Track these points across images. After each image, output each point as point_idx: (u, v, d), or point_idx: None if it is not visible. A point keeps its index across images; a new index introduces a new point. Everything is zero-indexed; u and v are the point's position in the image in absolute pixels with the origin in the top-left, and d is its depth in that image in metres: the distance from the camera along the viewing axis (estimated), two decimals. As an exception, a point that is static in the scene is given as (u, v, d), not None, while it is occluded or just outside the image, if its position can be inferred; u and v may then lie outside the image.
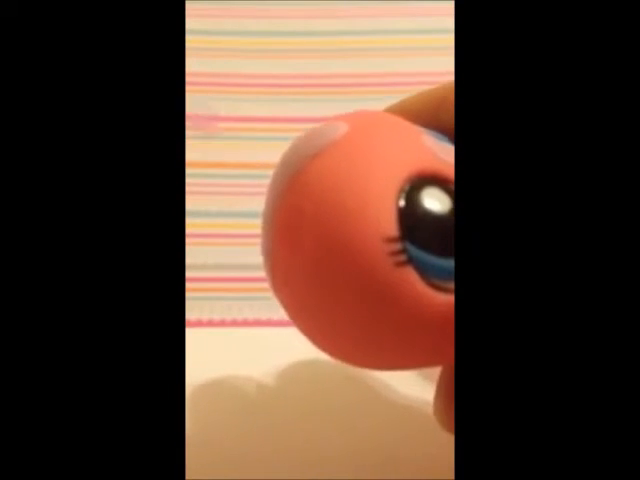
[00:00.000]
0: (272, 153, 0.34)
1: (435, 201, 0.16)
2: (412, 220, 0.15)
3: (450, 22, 0.29)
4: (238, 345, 0.27)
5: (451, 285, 0.16)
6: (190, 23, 0.30)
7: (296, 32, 0.36)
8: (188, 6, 0.24)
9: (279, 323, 0.29)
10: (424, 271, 0.16)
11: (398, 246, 0.15)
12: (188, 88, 0.32)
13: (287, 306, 0.18)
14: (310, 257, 0.16)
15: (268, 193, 0.18)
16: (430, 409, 0.19)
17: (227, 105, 0.33)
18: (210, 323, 0.29)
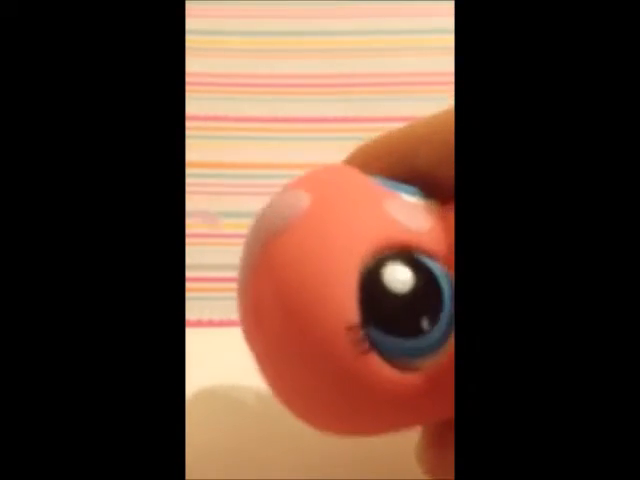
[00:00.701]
0: (272, 153, 0.34)
1: (396, 280, 0.15)
2: (373, 303, 0.15)
3: (450, 22, 0.29)
4: (238, 345, 0.27)
5: (419, 363, 0.15)
6: (190, 23, 0.30)
7: (296, 32, 0.36)
8: (188, 6, 0.24)
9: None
10: (389, 354, 0.15)
11: (360, 333, 0.15)
12: (188, 88, 0.32)
13: (260, 371, 0.18)
14: (273, 339, 0.16)
15: (240, 262, 0.18)
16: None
17: (227, 105, 0.33)
18: (210, 323, 0.29)
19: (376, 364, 0.15)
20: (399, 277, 0.15)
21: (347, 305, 0.15)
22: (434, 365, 0.16)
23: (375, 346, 0.15)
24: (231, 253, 0.30)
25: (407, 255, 0.16)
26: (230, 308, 0.30)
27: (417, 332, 0.15)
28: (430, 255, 0.16)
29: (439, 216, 0.17)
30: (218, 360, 0.26)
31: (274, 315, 0.16)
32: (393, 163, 0.19)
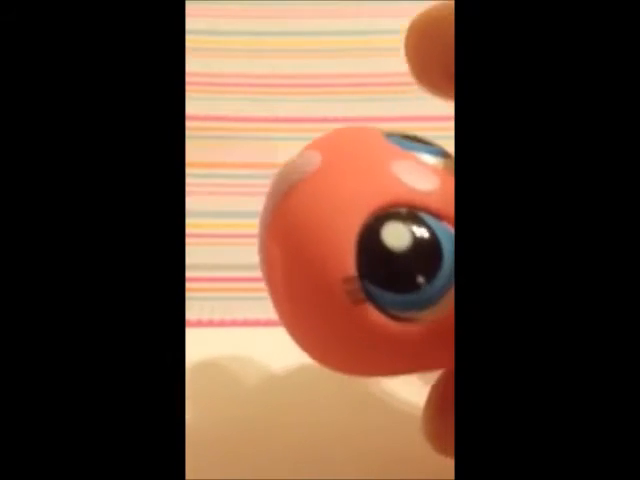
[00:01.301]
0: (272, 153, 0.34)
1: (393, 237, 0.16)
2: (369, 258, 0.16)
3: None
4: (238, 345, 0.27)
5: (414, 315, 0.16)
6: (190, 23, 0.30)
7: (296, 32, 0.36)
8: (188, 6, 0.24)
9: (279, 323, 0.29)
10: (384, 306, 0.16)
11: (355, 285, 0.16)
12: (188, 88, 0.32)
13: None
14: (282, 294, 0.17)
15: (258, 220, 0.19)
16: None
17: (227, 105, 0.33)
18: (210, 323, 0.29)
19: (371, 314, 0.16)
20: (396, 234, 0.16)
21: (345, 259, 0.16)
22: (431, 317, 0.16)
23: (370, 298, 0.16)
24: (231, 253, 0.30)
25: (408, 214, 0.16)
26: (230, 308, 0.30)
27: (411, 288, 0.16)
28: (435, 214, 0.16)
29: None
30: (218, 360, 0.26)
31: (281, 263, 0.17)
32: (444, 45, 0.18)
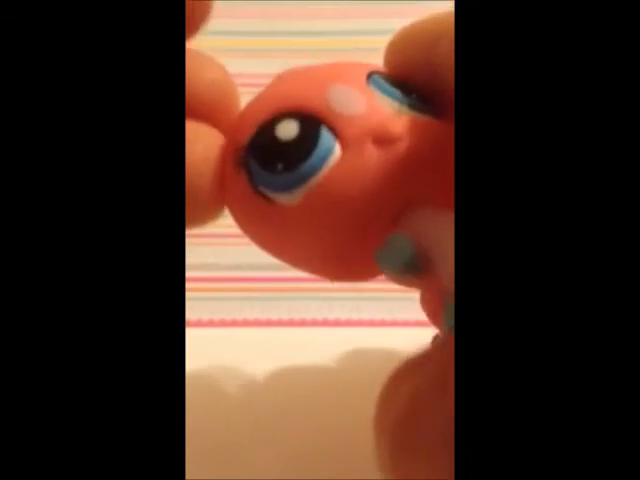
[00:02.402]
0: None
1: (283, 129, 0.18)
2: (259, 137, 0.19)
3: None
4: (238, 345, 0.27)
5: (275, 197, 0.18)
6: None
7: (296, 32, 0.36)
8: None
9: (279, 323, 0.29)
10: (252, 178, 0.19)
11: (242, 153, 0.19)
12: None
13: None
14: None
15: None
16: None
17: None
18: (210, 323, 0.29)
19: (246, 183, 0.19)
20: (286, 127, 0.18)
21: (248, 132, 0.19)
22: (287, 203, 0.18)
23: (248, 170, 0.19)
24: (231, 253, 0.30)
25: (308, 119, 0.18)
26: (230, 308, 0.30)
27: (272, 170, 0.18)
28: (335, 131, 0.18)
29: (404, 122, 0.18)
30: (218, 360, 0.26)
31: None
32: (412, 57, 0.19)
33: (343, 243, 0.18)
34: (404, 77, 0.20)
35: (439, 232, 0.17)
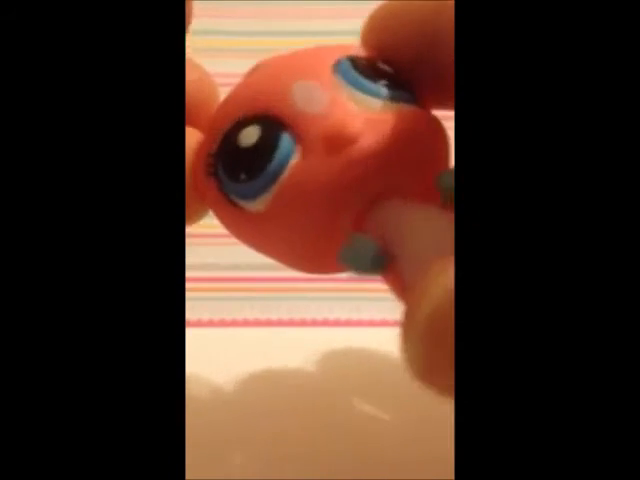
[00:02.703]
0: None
1: (245, 136, 0.18)
2: (225, 145, 0.19)
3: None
4: (238, 345, 0.27)
5: (243, 204, 0.18)
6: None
7: (296, 32, 0.36)
8: (188, 6, 0.24)
9: (279, 323, 0.29)
10: (223, 187, 0.19)
11: (212, 161, 0.19)
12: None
13: None
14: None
15: None
16: (431, 412, 0.18)
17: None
18: (210, 323, 0.29)
19: (213, 186, 0.19)
20: (248, 134, 0.18)
21: (215, 139, 0.19)
22: (254, 210, 0.18)
23: (219, 178, 0.19)
24: (231, 253, 0.30)
25: (270, 123, 0.18)
26: (230, 308, 0.30)
27: (237, 180, 0.18)
28: (295, 133, 0.18)
29: (369, 118, 0.18)
30: (218, 360, 0.26)
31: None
32: (403, 35, 0.19)
33: (310, 244, 0.18)
34: (389, 56, 0.19)
35: (403, 228, 0.17)
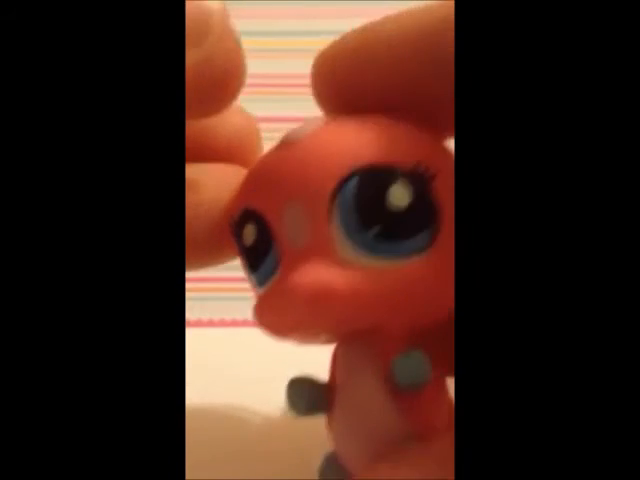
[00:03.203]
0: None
1: (247, 234, 0.19)
2: (235, 229, 0.19)
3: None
4: (238, 345, 0.27)
5: (258, 289, 0.19)
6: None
7: (296, 32, 0.36)
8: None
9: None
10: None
11: (233, 227, 0.19)
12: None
13: None
14: None
15: None
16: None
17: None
18: (210, 323, 0.29)
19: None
20: (247, 231, 0.19)
21: (234, 213, 0.19)
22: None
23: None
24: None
25: (264, 232, 0.18)
26: (230, 308, 0.30)
27: (246, 267, 0.19)
28: (278, 249, 0.18)
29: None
30: (217, 360, 0.26)
31: None
32: (377, 72, 0.19)
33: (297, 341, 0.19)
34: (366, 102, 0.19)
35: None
